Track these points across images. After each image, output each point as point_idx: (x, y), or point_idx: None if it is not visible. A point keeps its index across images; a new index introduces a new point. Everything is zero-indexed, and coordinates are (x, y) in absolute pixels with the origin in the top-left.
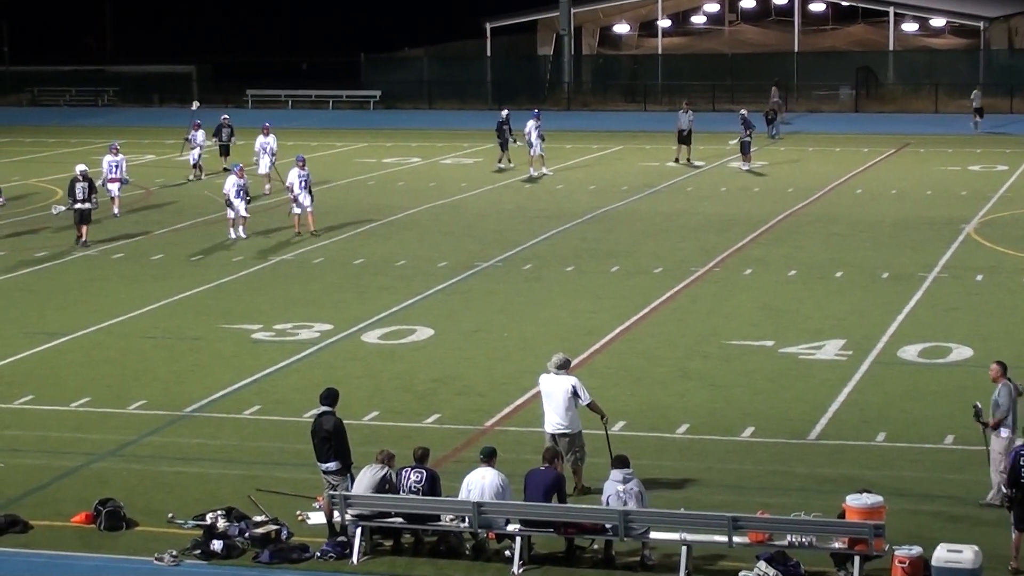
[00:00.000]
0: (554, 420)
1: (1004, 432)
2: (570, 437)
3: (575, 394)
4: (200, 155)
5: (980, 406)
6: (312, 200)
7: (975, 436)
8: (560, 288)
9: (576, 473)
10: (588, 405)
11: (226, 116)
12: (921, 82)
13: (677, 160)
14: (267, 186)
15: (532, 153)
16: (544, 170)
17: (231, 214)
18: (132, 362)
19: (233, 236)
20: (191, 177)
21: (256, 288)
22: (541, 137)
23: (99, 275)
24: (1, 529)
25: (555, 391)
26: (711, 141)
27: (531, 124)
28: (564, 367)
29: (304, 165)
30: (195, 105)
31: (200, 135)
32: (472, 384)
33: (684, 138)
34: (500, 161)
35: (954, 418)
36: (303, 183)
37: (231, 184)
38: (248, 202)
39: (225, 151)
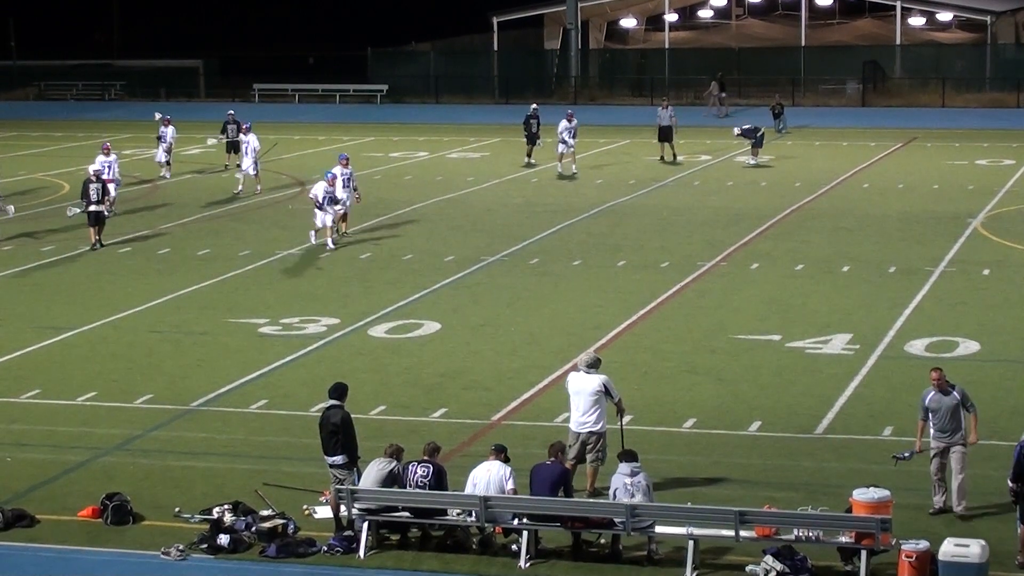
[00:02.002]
0: (582, 419)
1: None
2: (596, 436)
3: (607, 392)
4: (169, 150)
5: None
6: (359, 199)
7: (982, 431)
8: (567, 283)
9: (593, 474)
10: (616, 403)
11: (232, 112)
12: (928, 76)
13: (663, 159)
14: (258, 186)
15: (560, 151)
16: (573, 168)
17: (319, 222)
18: (139, 356)
19: (313, 241)
20: (164, 175)
21: (262, 282)
22: (574, 136)
23: (106, 270)
24: (8, 523)
25: (585, 389)
26: (718, 135)
27: (563, 124)
28: (595, 366)
29: (348, 164)
30: (157, 116)
31: (170, 132)
32: (479, 378)
33: (665, 135)
34: (529, 156)
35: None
36: (345, 182)
37: (321, 190)
38: (332, 207)
39: (233, 147)
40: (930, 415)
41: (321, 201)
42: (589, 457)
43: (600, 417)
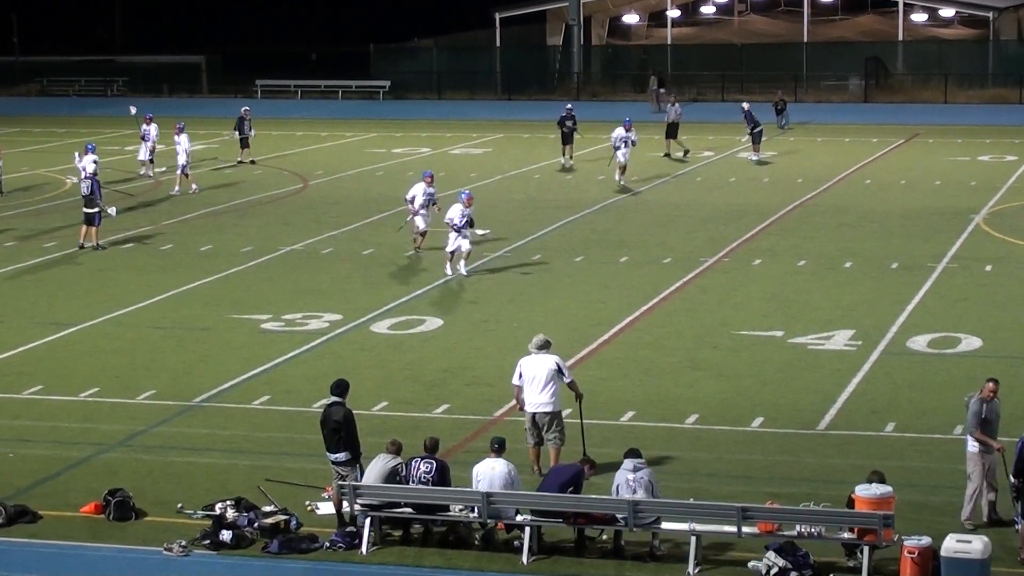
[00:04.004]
0: (537, 400)
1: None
2: (552, 416)
3: (559, 371)
4: (153, 149)
5: None
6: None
7: None
8: (569, 278)
9: (556, 455)
10: (568, 383)
11: (246, 108)
12: (930, 72)
13: (668, 155)
14: (193, 186)
15: (617, 160)
16: (620, 179)
17: (450, 245)
18: (141, 352)
19: (450, 273)
20: (142, 172)
21: (265, 278)
22: (633, 143)
23: (108, 265)
24: (10, 519)
25: (539, 370)
26: (720, 131)
27: (619, 131)
28: (546, 347)
29: (432, 182)
30: (133, 110)
31: (153, 129)
32: (481, 374)
33: (671, 131)
34: (567, 156)
35: (963, 408)
36: (426, 200)
37: (457, 212)
38: (472, 232)
39: (244, 144)
40: (983, 426)
41: (459, 224)
42: (548, 437)
43: (554, 396)
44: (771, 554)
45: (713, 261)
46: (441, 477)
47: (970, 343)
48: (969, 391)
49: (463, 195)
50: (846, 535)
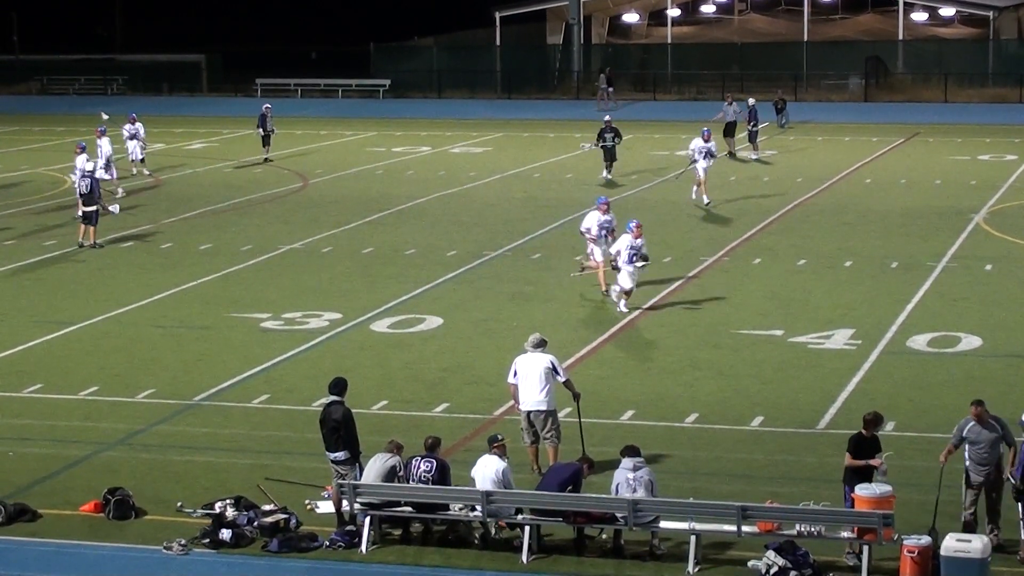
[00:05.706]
0: (532, 398)
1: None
2: (547, 414)
3: (554, 370)
4: (143, 147)
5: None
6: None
7: None
8: (569, 278)
9: (554, 453)
10: (564, 383)
11: (268, 106)
12: (931, 72)
13: (731, 154)
14: (120, 189)
15: (698, 175)
16: (704, 198)
17: (627, 283)
18: (141, 351)
19: (618, 305)
20: (134, 172)
21: (265, 277)
22: (713, 155)
23: (108, 264)
24: (10, 518)
25: (533, 369)
26: (720, 131)
27: (697, 142)
28: (541, 345)
29: (608, 210)
30: (105, 116)
31: (140, 129)
32: (481, 373)
33: (730, 131)
34: (607, 172)
35: (963, 407)
36: (603, 231)
37: (625, 244)
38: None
39: (266, 141)
40: (968, 446)
41: (627, 258)
42: (545, 435)
43: (548, 395)
44: (771, 553)
45: (713, 260)
46: (441, 476)
47: (970, 342)
48: (969, 391)
49: (630, 225)
50: (846, 535)
